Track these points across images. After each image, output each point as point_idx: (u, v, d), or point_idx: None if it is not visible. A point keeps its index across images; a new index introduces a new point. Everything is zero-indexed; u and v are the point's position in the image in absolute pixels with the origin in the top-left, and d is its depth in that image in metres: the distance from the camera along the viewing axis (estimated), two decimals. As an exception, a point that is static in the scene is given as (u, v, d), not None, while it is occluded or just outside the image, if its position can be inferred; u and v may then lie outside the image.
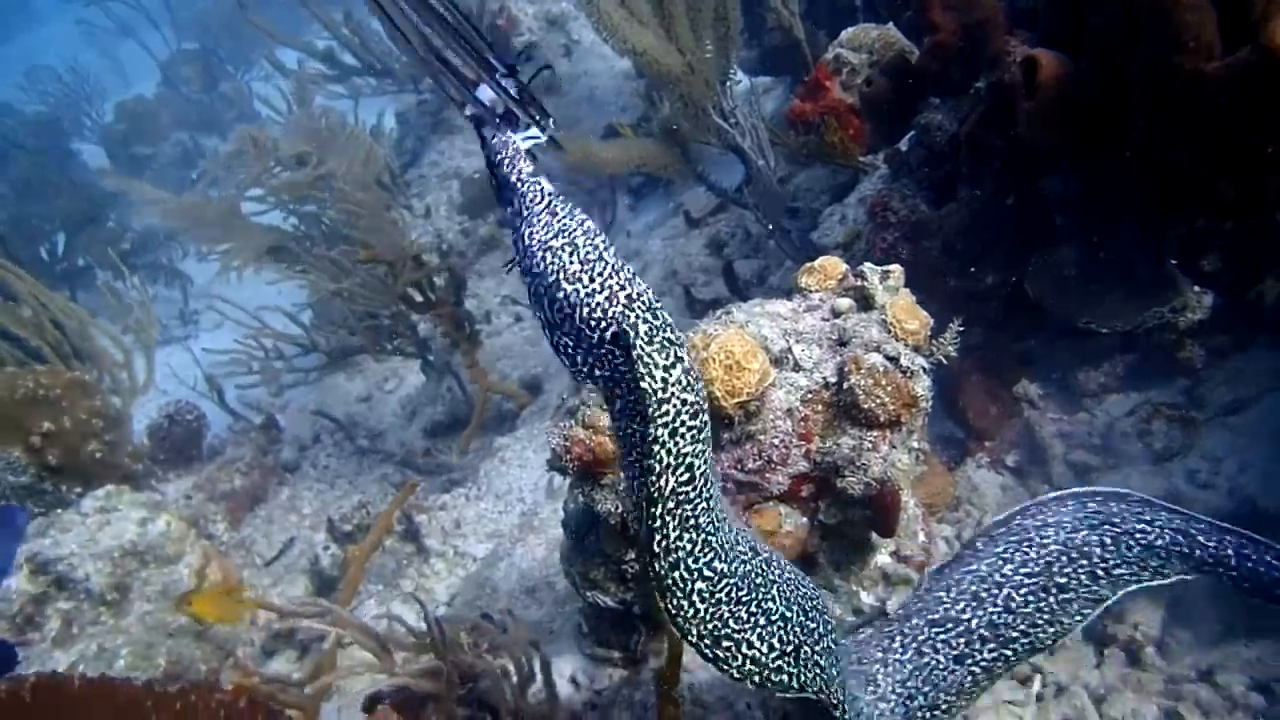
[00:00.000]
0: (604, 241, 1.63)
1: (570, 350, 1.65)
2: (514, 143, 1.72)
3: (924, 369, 2.50)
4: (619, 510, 2.50)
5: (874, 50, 5.50)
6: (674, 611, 1.73)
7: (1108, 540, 2.49)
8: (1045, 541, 2.47)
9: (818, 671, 1.92)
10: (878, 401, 2.42)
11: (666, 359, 1.56)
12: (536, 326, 7.18)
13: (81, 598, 3.98)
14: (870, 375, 2.42)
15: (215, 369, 7.26)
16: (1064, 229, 3.24)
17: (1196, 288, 3.22)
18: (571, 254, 1.59)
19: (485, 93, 1.69)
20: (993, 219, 3.34)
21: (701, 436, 1.64)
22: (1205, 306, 3.21)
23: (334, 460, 6.72)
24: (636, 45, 3.94)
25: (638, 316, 1.55)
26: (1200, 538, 2.53)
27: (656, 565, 1.67)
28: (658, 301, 1.62)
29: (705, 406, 1.66)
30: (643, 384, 1.54)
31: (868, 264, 2.68)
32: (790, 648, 1.87)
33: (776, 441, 2.51)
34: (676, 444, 1.59)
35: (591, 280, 1.57)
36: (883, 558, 2.73)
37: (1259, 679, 2.61)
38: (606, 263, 1.59)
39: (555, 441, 2.47)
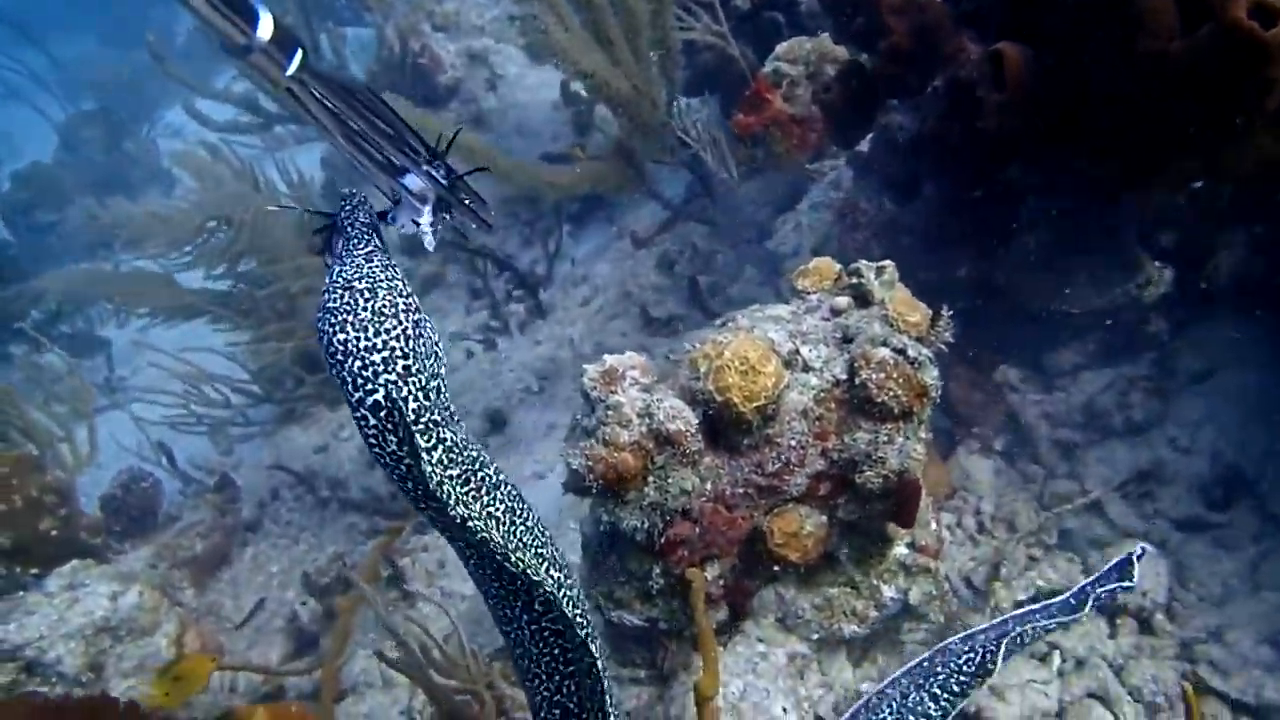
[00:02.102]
0: (408, 304, 1.55)
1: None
2: (367, 203, 1.70)
3: (929, 359, 2.55)
4: (645, 525, 2.49)
5: (810, 61, 5.66)
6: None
7: (936, 690, 2.35)
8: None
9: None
10: (890, 394, 2.46)
11: (428, 441, 1.52)
12: (491, 360, 7.13)
13: (54, 681, 3.75)
14: (881, 369, 2.47)
15: (157, 430, 7.02)
16: (1029, 216, 3.36)
17: (1158, 263, 3.37)
18: (368, 300, 1.51)
19: (414, 181, 1.63)
20: (960, 212, 3.44)
21: (475, 479, 1.64)
22: (1167, 280, 3.36)
23: (296, 514, 6.51)
24: (586, 67, 3.97)
25: (407, 393, 1.49)
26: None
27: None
28: (437, 379, 1.57)
29: (474, 471, 1.64)
30: (422, 469, 1.49)
31: (862, 261, 2.73)
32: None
33: (794, 443, 2.53)
34: (455, 493, 1.56)
35: (376, 335, 1.49)
36: (900, 549, 2.77)
37: (1266, 634, 2.71)
38: (400, 325, 1.51)
39: (578, 462, 2.44)
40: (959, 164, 3.33)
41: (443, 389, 1.59)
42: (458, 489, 1.57)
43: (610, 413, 2.46)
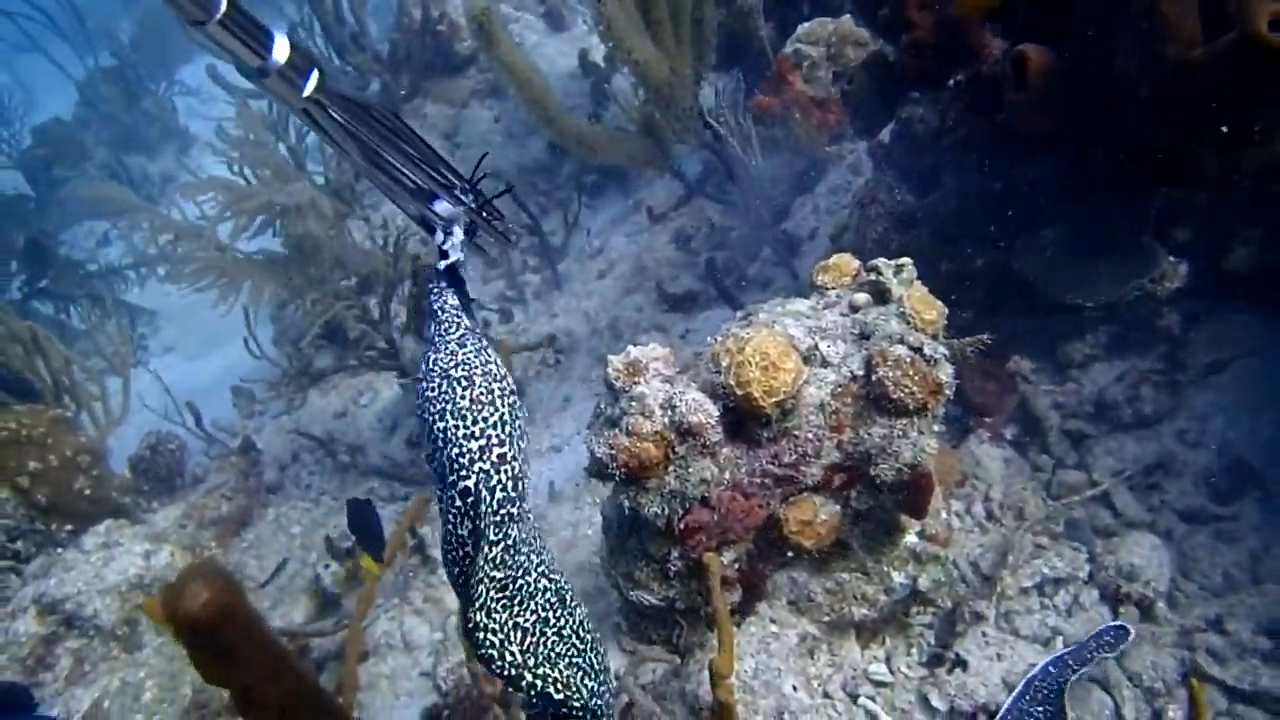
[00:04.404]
0: (503, 389, 1.61)
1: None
2: (444, 279, 1.71)
3: (945, 356, 2.62)
4: (665, 512, 2.59)
5: (831, 43, 5.66)
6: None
7: None
8: None
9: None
10: (906, 391, 2.54)
11: (497, 535, 1.55)
12: (508, 331, 7.21)
13: (91, 635, 3.93)
14: (897, 367, 2.54)
15: (182, 392, 7.18)
16: (1047, 210, 3.40)
17: (1172, 257, 3.42)
18: (465, 389, 1.57)
19: (444, 206, 1.66)
20: (979, 204, 3.49)
21: (512, 588, 1.62)
22: (1181, 275, 3.41)
23: (316, 478, 6.66)
24: (639, 56, 4.01)
25: (497, 482, 1.55)
26: None
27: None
28: (523, 470, 1.62)
29: (515, 578, 1.63)
30: (476, 565, 1.55)
31: (881, 259, 2.79)
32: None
33: (810, 435, 2.61)
34: (488, 597, 1.59)
35: (474, 423, 1.55)
36: (910, 538, 2.87)
37: (1265, 624, 2.81)
38: (497, 411, 1.57)
39: (601, 450, 2.54)
40: (978, 158, 3.38)
41: (526, 471, 1.62)
42: (491, 593, 1.58)
43: (634, 403, 2.55)
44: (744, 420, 2.59)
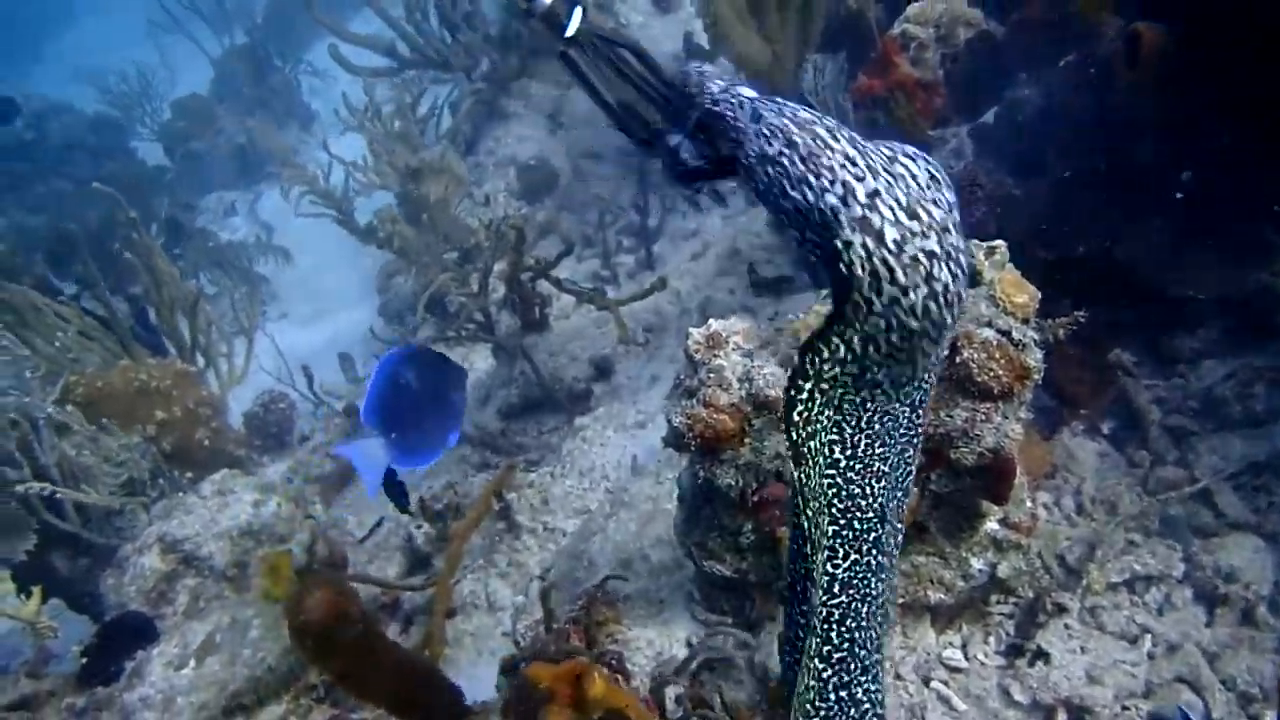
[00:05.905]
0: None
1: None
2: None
3: (1034, 341, 2.57)
4: (738, 484, 2.62)
5: (941, 25, 5.51)
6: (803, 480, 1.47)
7: None
8: None
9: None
10: (991, 374, 2.50)
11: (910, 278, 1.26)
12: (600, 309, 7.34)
13: (206, 574, 4.23)
14: (984, 349, 2.51)
15: (295, 355, 7.61)
16: (1157, 197, 3.27)
17: (1295, 251, 3.24)
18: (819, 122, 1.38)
19: (675, 139, 1.64)
20: (1084, 189, 3.38)
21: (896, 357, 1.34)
22: (1304, 270, 3.23)
23: (413, 443, 6.96)
24: (742, 50, 4.04)
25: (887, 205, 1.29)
26: None
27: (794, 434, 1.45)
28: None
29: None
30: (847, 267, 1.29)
31: (973, 240, 2.75)
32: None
33: (890, 414, 2.60)
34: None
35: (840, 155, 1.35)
36: (991, 525, 2.82)
37: (1372, 634, 2.66)
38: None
39: (678, 420, 2.59)
40: (1086, 141, 3.27)
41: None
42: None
43: (711, 375, 2.59)
44: (823, 397, 2.60)
